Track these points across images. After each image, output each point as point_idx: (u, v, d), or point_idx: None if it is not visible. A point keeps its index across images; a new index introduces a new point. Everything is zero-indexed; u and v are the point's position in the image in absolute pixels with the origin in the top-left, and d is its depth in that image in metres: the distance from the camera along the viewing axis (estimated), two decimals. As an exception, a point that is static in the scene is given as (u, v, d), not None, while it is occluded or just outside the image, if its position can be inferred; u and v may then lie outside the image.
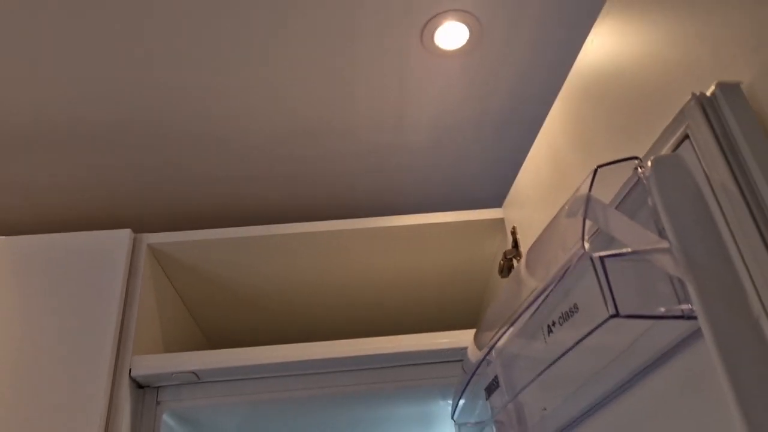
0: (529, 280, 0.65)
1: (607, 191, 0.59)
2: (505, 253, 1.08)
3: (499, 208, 1.22)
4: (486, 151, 1.32)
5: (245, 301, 1.34)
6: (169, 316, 1.26)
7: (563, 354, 0.55)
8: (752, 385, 0.44)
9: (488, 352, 0.76)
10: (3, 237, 1.15)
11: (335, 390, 1.09)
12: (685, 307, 0.48)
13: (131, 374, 1.04)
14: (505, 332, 0.69)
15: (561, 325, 0.56)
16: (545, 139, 0.98)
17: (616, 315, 0.47)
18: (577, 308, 0.54)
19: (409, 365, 1.10)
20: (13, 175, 1.28)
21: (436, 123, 1.25)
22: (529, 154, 1.05)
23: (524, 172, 1.09)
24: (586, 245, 0.50)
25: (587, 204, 0.52)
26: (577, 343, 0.52)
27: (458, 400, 0.90)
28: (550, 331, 0.58)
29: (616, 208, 0.58)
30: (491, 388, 0.78)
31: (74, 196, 1.34)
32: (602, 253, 0.49)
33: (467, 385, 0.84)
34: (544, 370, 0.60)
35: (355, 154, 1.30)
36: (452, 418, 0.94)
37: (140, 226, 1.22)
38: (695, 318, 0.48)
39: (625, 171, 0.59)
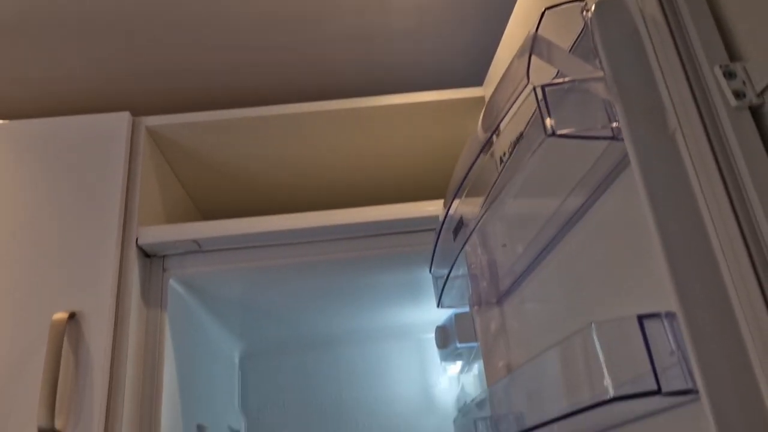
0: (481, 131, 0.72)
1: (563, 40, 0.65)
2: (483, 127, 1.14)
3: (479, 87, 1.27)
4: (468, 32, 1.36)
5: (239, 181, 1.42)
6: (168, 196, 1.34)
7: (509, 175, 0.62)
8: (664, 190, 0.52)
9: (451, 202, 0.84)
10: (3, 121, 1.21)
11: (328, 257, 1.18)
12: (615, 125, 0.55)
13: (138, 243, 1.13)
14: (464, 180, 0.77)
15: (510, 154, 0.64)
16: (521, 13, 1.02)
17: (553, 134, 0.54)
18: (523, 136, 0.61)
19: (397, 233, 1.19)
20: (7, 63, 1.33)
21: (419, 4, 1.28)
22: (506, 31, 1.09)
23: (502, 49, 1.13)
24: (531, 77, 0.57)
25: (533, 41, 0.58)
26: (521, 162, 0.60)
27: (433, 255, 0.99)
28: (501, 161, 0.66)
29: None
30: (457, 229, 0.87)
31: (71, 84, 1.39)
32: (544, 83, 0.56)
33: (439, 236, 0.93)
34: (490, 191, 0.68)
35: (341, 39, 1.34)
36: (429, 271, 1.03)
37: (138, 112, 1.28)
38: (622, 140, 0.55)
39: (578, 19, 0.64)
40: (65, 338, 1.01)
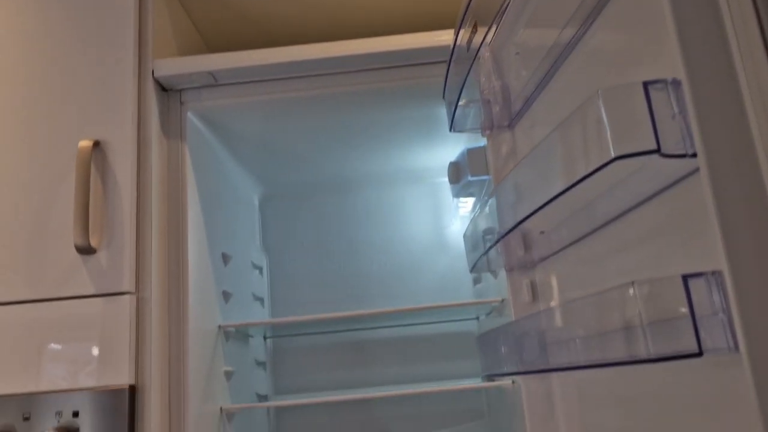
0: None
1: None
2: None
3: None
4: None
5: (249, 16, 1.40)
6: (179, 32, 1.33)
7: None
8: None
9: (460, 27, 0.83)
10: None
11: (342, 89, 1.19)
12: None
13: (154, 76, 1.14)
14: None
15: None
16: None
17: None
18: None
19: (410, 65, 1.19)
20: None
21: None
22: None
23: None
24: None
25: None
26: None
27: (445, 80, 0.99)
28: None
29: None
30: (468, 57, 0.86)
31: None
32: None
33: (450, 62, 0.92)
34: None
35: None
36: (443, 97, 1.04)
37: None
38: None
39: None
40: (92, 165, 1.06)
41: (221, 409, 1.22)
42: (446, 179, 1.40)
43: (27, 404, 0.98)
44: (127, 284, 1.02)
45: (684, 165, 0.49)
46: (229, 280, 1.36)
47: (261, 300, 1.62)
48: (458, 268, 1.63)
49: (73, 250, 1.02)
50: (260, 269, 1.65)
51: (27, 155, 1.09)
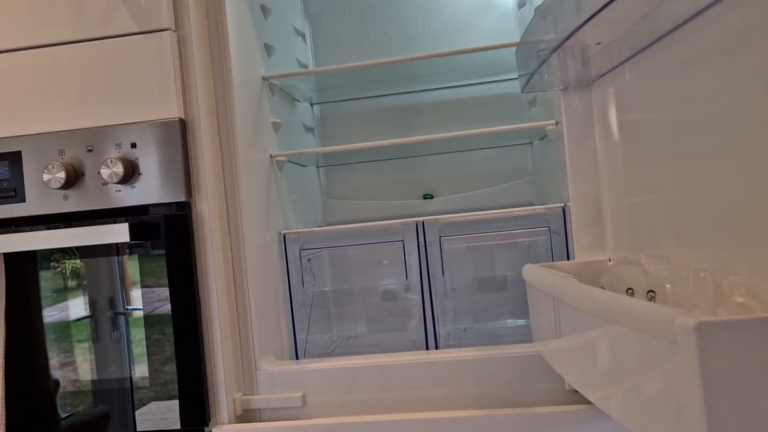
0: None
1: None
2: None
3: None
4: None
5: None
6: None
7: None
8: None
9: None
10: None
11: None
12: None
13: None
14: None
15: None
16: None
17: None
18: None
19: None
20: None
21: None
22: None
23: None
24: None
25: None
26: None
27: None
28: None
29: None
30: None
31: None
32: None
33: None
34: None
35: None
36: None
37: None
38: None
39: None
40: None
41: (271, 156, 1.28)
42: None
43: (90, 137, 1.05)
44: (166, 21, 1.03)
45: None
46: (270, 34, 1.35)
47: (305, 67, 1.62)
48: (505, 27, 1.57)
49: (110, -13, 1.03)
50: (303, 36, 1.63)
51: None
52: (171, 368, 1.05)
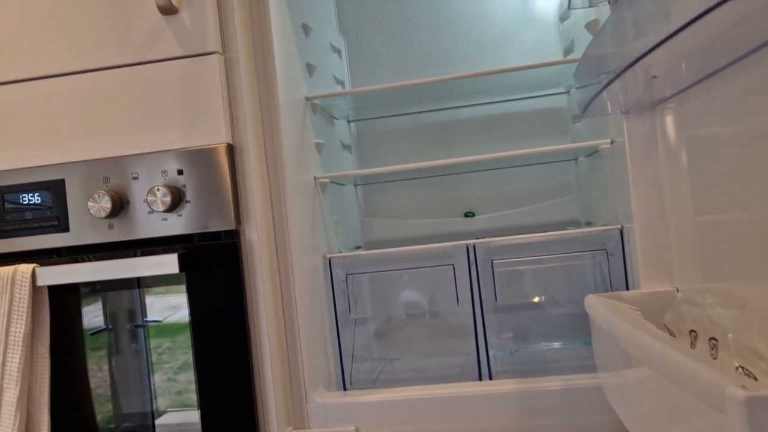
0: None
1: None
2: None
3: None
4: None
5: None
6: None
7: None
8: None
9: None
10: None
11: None
12: None
13: None
14: None
15: None
16: None
17: None
18: None
19: None
20: None
21: None
22: None
23: None
24: None
25: None
26: None
27: None
28: None
29: None
30: None
31: None
32: None
33: None
34: None
35: None
36: None
37: None
38: None
39: None
40: None
41: (315, 178, 1.24)
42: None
43: (135, 164, 1.02)
44: (213, 44, 1.00)
45: None
46: (310, 53, 1.32)
47: (342, 83, 1.58)
48: (546, 41, 1.53)
49: (156, 10, 1.00)
50: (339, 52, 1.59)
51: None
52: (221, 403, 1.01)
